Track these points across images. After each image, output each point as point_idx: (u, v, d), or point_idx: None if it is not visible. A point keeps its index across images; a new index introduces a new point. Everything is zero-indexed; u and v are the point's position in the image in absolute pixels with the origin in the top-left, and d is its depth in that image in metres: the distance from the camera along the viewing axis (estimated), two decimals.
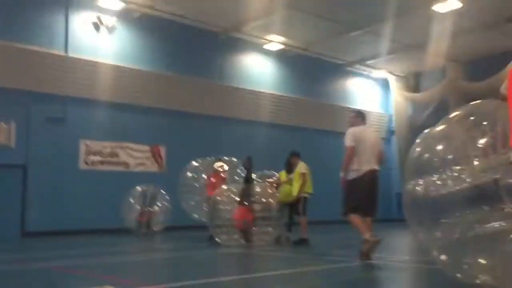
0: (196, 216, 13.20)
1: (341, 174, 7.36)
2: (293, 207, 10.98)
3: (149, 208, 14.62)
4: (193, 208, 13.23)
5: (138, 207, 14.62)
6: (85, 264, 7.66)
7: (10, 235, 14.13)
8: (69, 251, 10.19)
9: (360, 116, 7.80)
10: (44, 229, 14.61)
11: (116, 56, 17.06)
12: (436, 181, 4.58)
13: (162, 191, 14.89)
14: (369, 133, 7.68)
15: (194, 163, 13.78)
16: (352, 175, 7.24)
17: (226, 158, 12.96)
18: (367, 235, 7.00)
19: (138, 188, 14.83)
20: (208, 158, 13.59)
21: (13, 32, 15.01)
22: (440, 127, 4.97)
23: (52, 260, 8.13)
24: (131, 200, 14.64)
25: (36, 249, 10.88)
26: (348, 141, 7.31)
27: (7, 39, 14.86)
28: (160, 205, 14.84)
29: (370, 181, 7.23)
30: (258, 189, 10.74)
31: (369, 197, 7.22)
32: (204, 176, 13.00)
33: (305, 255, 8.40)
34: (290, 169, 11.28)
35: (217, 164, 12.22)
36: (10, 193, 14.75)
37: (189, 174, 13.57)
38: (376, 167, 7.32)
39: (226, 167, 12.20)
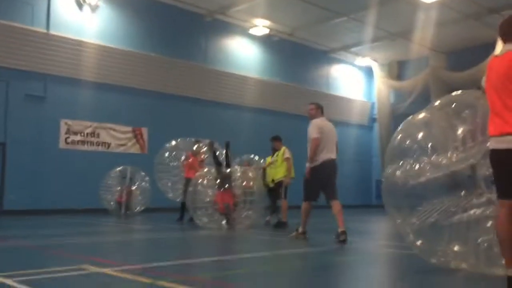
0: (170, 195, 13.23)
1: (307, 164, 7.81)
2: (274, 191, 11.04)
3: (128, 189, 14.56)
4: (169, 188, 13.25)
5: (117, 188, 14.57)
6: (63, 243, 7.61)
7: None
8: (46, 230, 10.12)
9: (320, 108, 8.27)
10: (22, 208, 14.48)
11: (99, 35, 16.79)
12: (415, 168, 4.65)
13: (142, 172, 14.84)
14: (329, 124, 8.16)
15: (173, 142, 13.75)
16: (315, 164, 7.73)
17: (206, 140, 12.96)
18: (301, 227, 7.99)
19: (117, 168, 14.75)
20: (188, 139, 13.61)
21: None
22: (421, 115, 5.04)
23: (29, 239, 8.06)
24: (110, 181, 14.58)
25: (13, 228, 10.76)
26: (314, 133, 7.78)
27: None
28: (139, 186, 14.80)
29: (330, 168, 7.81)
30: (238, 173, 10.75)
31: (328, 183, 7.78)
32: (182, 156, 13.03)
33: (284, 238, 8.46)
34: (274, 154, 11.37)
35: (197, 146, 12.24)
36: None
37: (166, 154, 13.53)
38: (335, 156, 7.92)
39: (205, 149, 12.27)
